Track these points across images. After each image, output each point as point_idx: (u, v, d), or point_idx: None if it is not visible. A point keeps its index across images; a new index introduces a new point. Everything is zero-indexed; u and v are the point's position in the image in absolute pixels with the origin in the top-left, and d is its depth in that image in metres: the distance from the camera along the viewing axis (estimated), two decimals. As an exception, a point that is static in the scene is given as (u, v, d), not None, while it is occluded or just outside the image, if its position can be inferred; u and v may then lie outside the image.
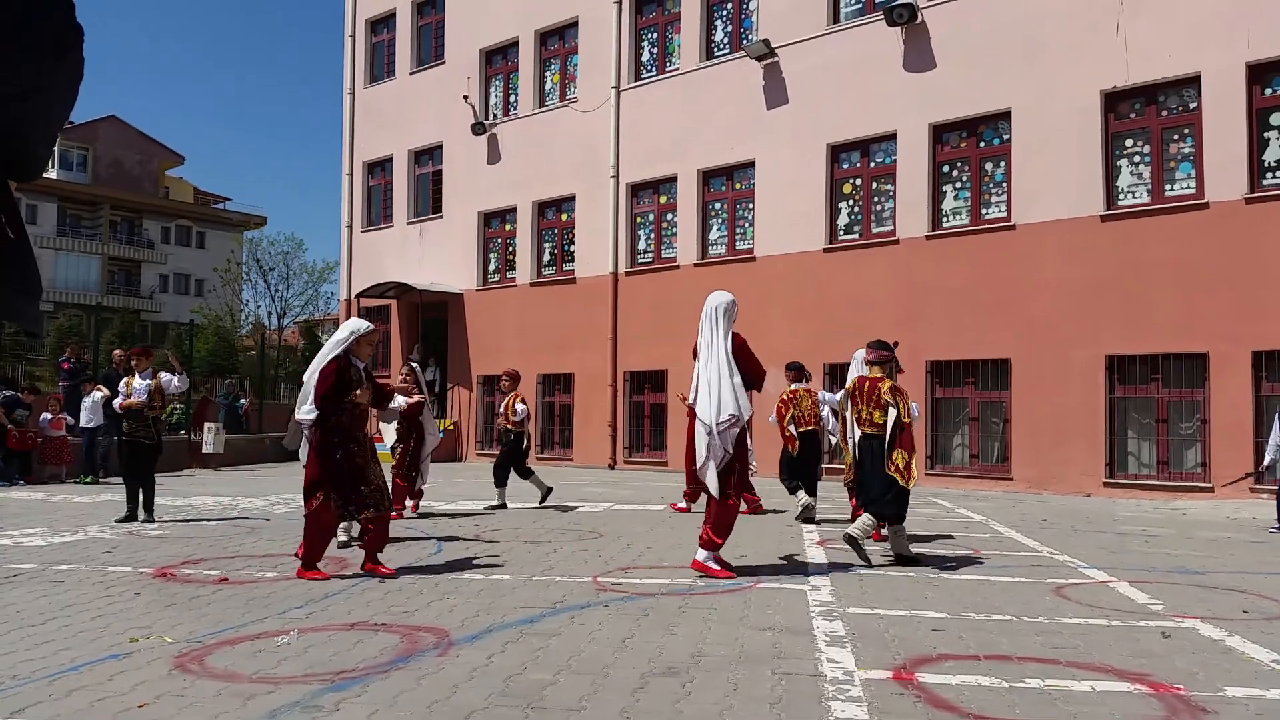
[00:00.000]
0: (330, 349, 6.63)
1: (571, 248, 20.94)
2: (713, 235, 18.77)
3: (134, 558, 7.42)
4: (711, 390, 6.47)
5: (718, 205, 18.74)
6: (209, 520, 10.04)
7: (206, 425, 18.75)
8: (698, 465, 6.50)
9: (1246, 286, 12.93)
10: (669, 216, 19.40)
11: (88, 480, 15.22)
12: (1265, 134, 13.16)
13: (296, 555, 6.68)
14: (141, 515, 9.67)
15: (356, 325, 6.77)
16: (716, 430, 6.38)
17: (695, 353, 6.79)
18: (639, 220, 19.95)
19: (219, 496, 12.78)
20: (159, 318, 55.45)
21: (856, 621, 5.20)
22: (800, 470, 10.13)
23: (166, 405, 10.45)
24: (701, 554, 6.62)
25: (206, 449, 18.41)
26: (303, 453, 6.83)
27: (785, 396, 10.36)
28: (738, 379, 6.53)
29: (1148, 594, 6.17)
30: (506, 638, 4.78)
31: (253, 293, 49.29)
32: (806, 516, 9.87)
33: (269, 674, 4.10)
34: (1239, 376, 12.98)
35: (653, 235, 19.70)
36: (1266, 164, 13.15)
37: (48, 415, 15.76)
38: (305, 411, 6.58)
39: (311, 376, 6.65)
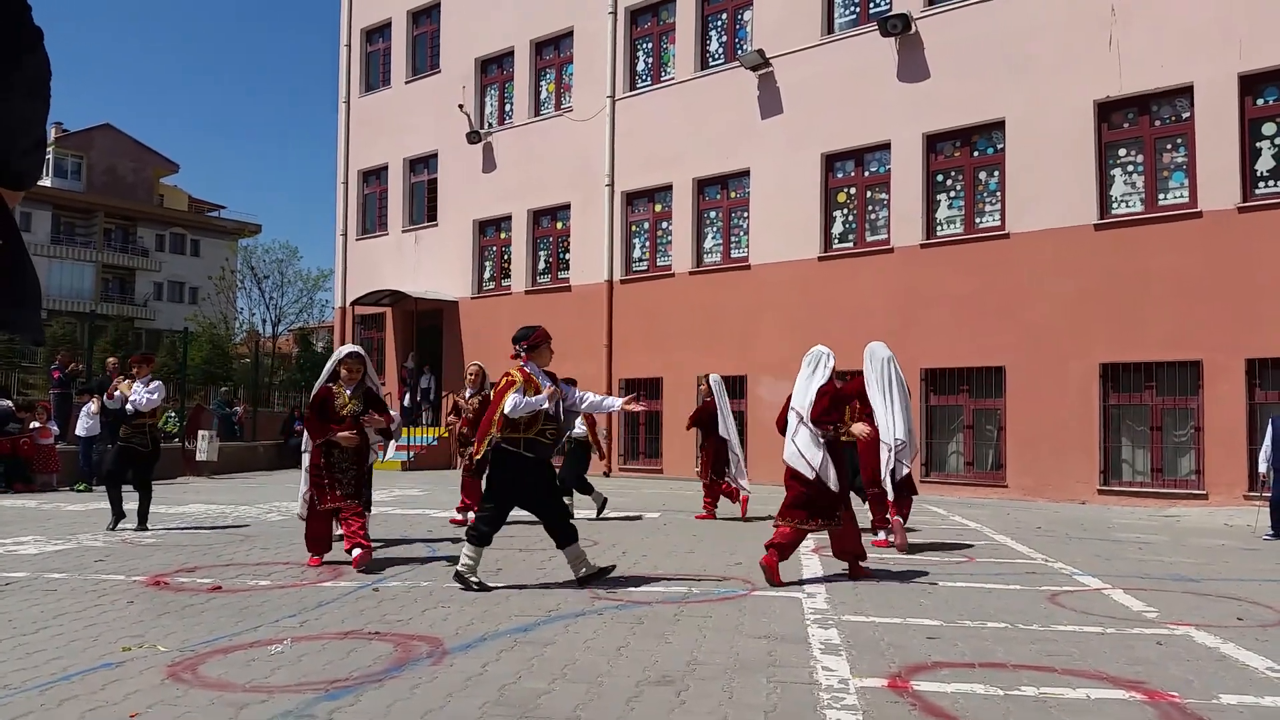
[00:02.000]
0: (823, 376, 6.96)
1: (566, 256, 20.96)
2: (708, 243, 18.79)
3: (127, 566, 7.39)
4: (897, 422, 8.34)
5: (713, 214, 18.77)
6: (203, 528, 10.01)
7: (200, 433, 18.73)
8: (882, 475, 8.38)
9: (1240, 295, 12.98)
10: (664, 225, 19.42)
11: (81, 488, 15.16)
12: (1257, 144, 13.23)
13: (767, 566, 6.59)
14: (134, 523, 9.62)
15: (830, 351, 7.12)
16: (896, 450, 8.31)
17: (858, 390, 8.52)
18: (634, 228, 19.97)
19: (213, 504, 12.73)
20: (153, 325, 55.30)
21: (851, 629, 5.20)
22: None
23: (160, 413, 10.41)
24: (881, 534, 8.72)
25: (200, 457, 18.40)
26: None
27: None
28: (909, 412, 8.56)
29: (1142, 601, 6.17)
30: (501, 646, 4.76)
31: (247, 300, 49.21)
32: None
33: (262, 683, 4.08)
34: (1233, 384, 13.02)
35: (648, 243, 19.72)
36: (1259, 173, 13.21)
37: (36, 424, 15.70)
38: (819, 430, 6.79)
39: (807, 405, 6.86)
